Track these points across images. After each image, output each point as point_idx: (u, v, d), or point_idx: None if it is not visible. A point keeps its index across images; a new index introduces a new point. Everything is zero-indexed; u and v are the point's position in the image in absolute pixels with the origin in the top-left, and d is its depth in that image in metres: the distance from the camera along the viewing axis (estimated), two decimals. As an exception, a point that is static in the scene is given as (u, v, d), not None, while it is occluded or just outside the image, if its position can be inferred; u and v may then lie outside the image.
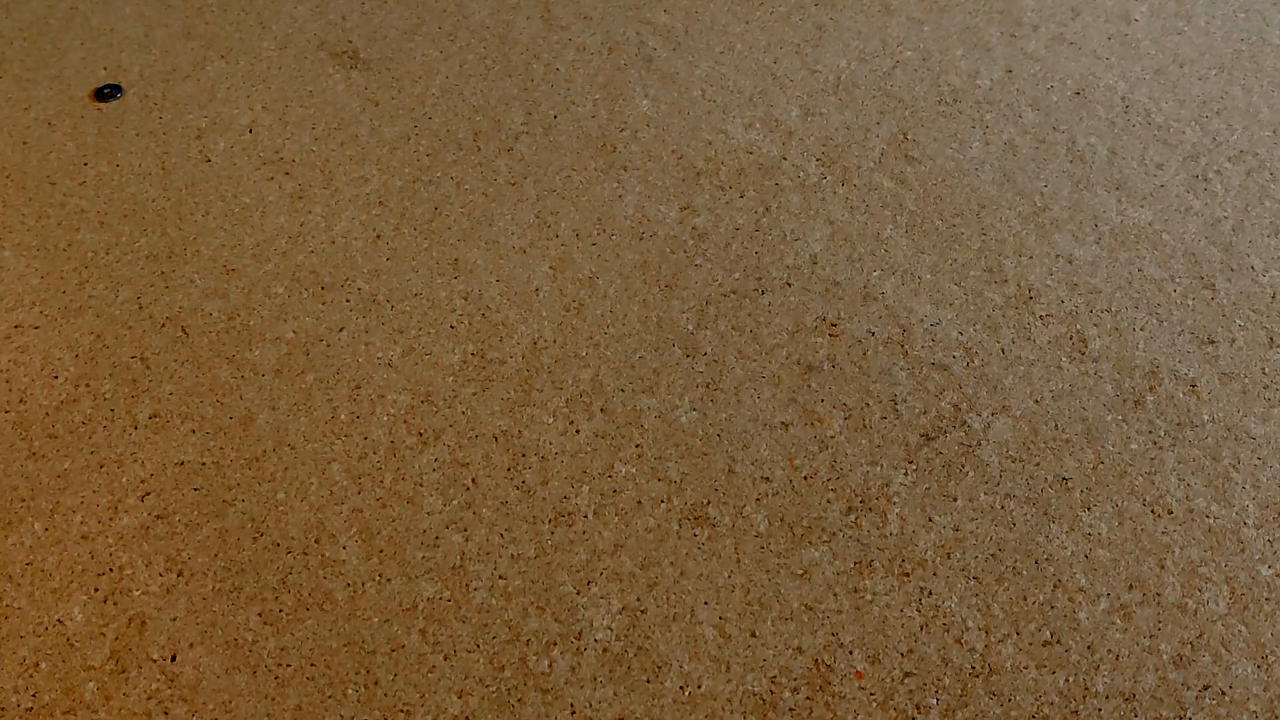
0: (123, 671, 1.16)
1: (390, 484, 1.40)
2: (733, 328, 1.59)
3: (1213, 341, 1.52)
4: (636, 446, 1.44)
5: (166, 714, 1.12)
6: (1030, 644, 1.17)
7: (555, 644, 1.22)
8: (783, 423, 1.46)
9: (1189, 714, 1.10)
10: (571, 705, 1.13)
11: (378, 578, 1.27)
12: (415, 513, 1.37)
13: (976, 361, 1.52)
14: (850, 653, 1.16)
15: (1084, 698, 1.12)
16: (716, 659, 1.21)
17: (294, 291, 1.63)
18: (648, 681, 1.19)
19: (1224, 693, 1.11)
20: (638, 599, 1.27)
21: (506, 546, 1.33)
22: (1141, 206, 1.74)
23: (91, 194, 1.79)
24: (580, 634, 1.23)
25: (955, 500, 1.35)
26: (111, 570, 1.27)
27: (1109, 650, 1.16)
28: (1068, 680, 1.13)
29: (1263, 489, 1.32)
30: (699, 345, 1.57)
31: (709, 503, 1.37)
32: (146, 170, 1.84)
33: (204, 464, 1.40)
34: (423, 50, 2.10)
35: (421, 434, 1.46)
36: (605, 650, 1.22)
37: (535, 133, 1.93)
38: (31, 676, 1.16)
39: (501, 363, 1.55)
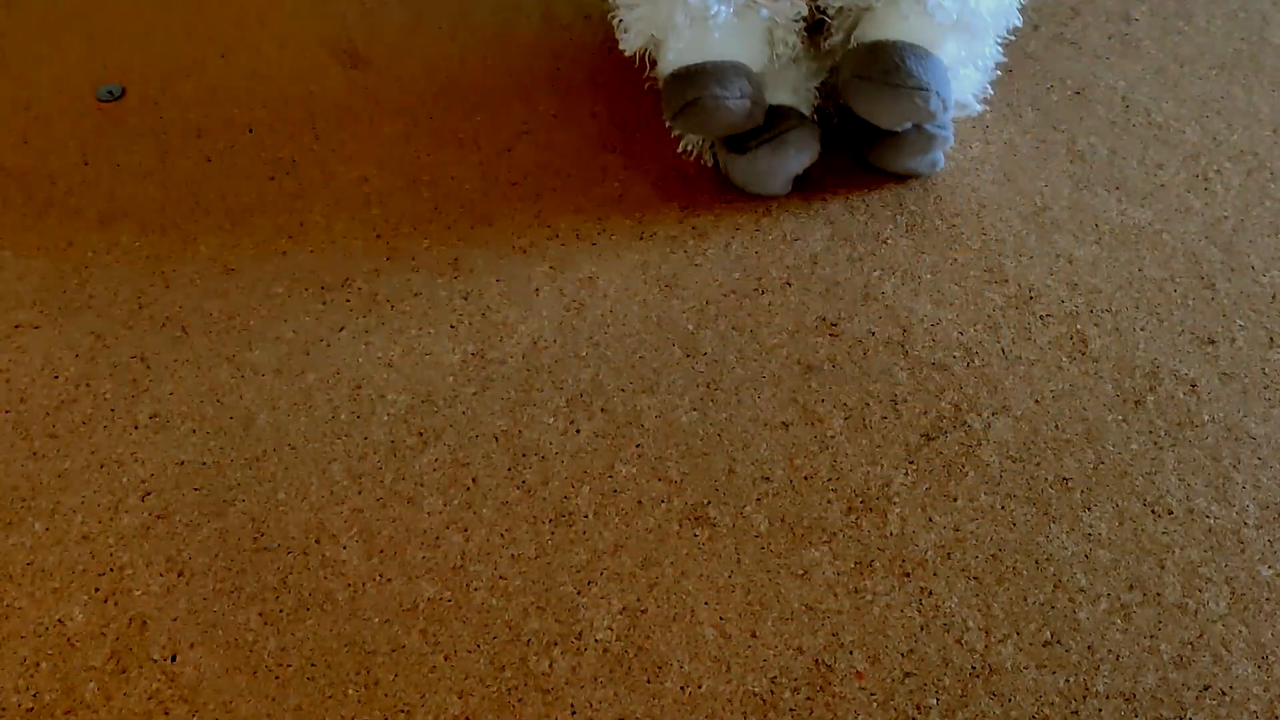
0: (123, 671, 1.16)
1: (390, 484, 1.40)
2: (733, 328, 1.59)
3: (1213, 341, 1.52)
4: (637, 446, 1.44)
5: (167, 714, 1.12)
6: (1030, 644, 1.17)
7: (555, 644, 1.22)
8: (783, 423, 1.46)
9: (1189, 714, 1.10)
10: (571, 705, 1.13)
11: (378, 578, 1.27)
12: (415, 513, 1.37)
13: (976, 361, 1.52)
14: (850, 653, 1.16)
15: (1084, 698, 1.12)
16: (717, 659, 1.21)
17: (294, 291, 1.63)
18: (648, 681, 1.19)
19: (1224, 693, 1.11)
20: (638, 599, 1.27)
21: (507, 546, 1.33)
22: (1142, 206, 1.74)
23: (91, 194, 1.79)
24: (580, 634, 1.23)
25: (955, 500, 1.35)
26: (111, 570, 1.27)
27: (1109, 650, 1.16)
28: (1068, 680, 1.14)
29: (1263, 489, 1.32)
30: (699, 345, 1.57)
31: (709, 503, 1.37)
32: (146, 170, 1.84)
33: (204, 464, 1.40)
34: (423, 50, 2.10)
35: (422, 434, 1.46)
36: (605, 650, 1.22)
37: (535, 132, 1.93)
38: (32, 676, 1.16)
39: (501, 363, 1.55)
